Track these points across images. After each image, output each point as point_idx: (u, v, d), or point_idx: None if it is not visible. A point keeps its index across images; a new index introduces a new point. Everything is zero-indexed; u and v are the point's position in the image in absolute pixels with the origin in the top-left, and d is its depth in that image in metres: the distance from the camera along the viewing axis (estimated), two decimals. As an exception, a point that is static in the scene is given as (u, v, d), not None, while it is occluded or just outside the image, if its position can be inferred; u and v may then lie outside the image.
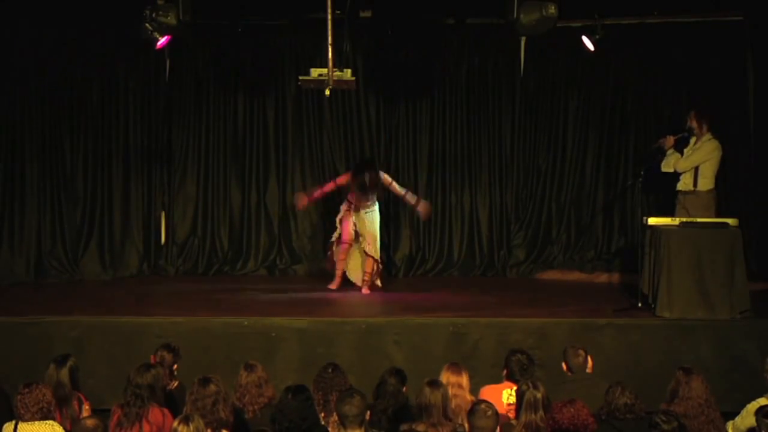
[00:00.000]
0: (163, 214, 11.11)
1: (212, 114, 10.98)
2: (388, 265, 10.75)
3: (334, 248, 9.48)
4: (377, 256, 9.44)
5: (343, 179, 9.49)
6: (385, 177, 9.43)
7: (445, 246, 11.06)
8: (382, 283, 9.70)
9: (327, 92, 8.20)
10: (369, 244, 9.31)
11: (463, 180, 11.04)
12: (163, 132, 11.01)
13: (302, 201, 9.56)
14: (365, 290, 9.35)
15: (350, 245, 9.44)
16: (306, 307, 8.62)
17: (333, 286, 9.59)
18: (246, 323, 7.99)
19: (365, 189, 9.08)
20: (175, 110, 10.99)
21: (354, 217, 9.34)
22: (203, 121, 11.00)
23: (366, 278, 9.39)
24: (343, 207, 9.41)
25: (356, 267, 9.62)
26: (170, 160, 11.00)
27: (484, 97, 11.00)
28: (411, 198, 9.48)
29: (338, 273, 9.51)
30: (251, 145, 11.06)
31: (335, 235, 9.43)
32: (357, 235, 9.44)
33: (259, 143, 11.08)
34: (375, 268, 9.43)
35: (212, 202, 11.05)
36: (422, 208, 9.52)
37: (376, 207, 9.42)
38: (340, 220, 9.38)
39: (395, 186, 9.41)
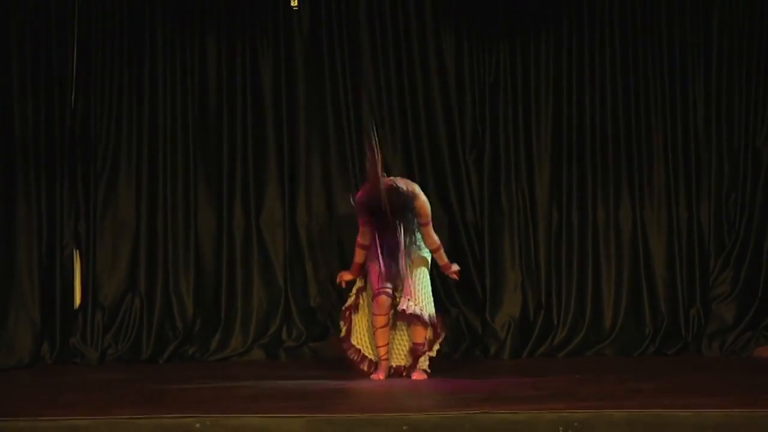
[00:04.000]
0: (76, 254, 8.28)
1: (161, 70, 8.29)
2: (482, 338, 8.25)
3: (353, 313, 7.52)
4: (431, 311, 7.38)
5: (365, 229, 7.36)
6: (421, 201, 7.31)
7: (587, 302, 8.38)
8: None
9: (294, 2, 7.51)
10: (410, 296, 7.33)
11: (618, 182, 8.53)
12: (72, 103, 8.28)
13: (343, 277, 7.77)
14: (418, 374, 7.43)
15: (391, 297, 7.35)
16: (309, 400, 6.82)
17: (379, 375, 7.48)
18: (198, 425, 6.15)
19: (385, 217, 7.17)
20: (94, 63, 8.29)
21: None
22: (146, 83, 8.25)
23: (419, 348, 7.41)
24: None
25: (399, 343, 7.69)
26: (87, 156, 8.33)
27: (651, 31, 8.40)
28: (441, 257, 7.58)
29: (382, 352, 7.40)
30: (232, 126, 8.39)
31: (353, 291, 7.49)
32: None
33: (246, 122, 8.42)
34: (430, 335, 7.40)
35: (164, 230, 8.44)
36: (454, 274, 7.59)
37: (427, 257, 7.36)
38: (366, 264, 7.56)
39: (430, 229, 7.27)
